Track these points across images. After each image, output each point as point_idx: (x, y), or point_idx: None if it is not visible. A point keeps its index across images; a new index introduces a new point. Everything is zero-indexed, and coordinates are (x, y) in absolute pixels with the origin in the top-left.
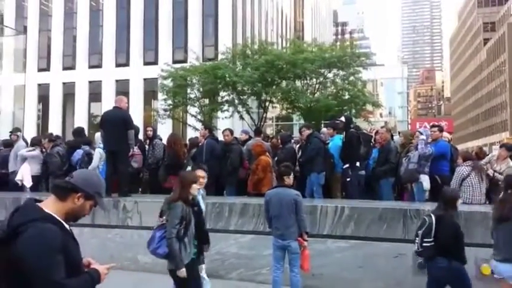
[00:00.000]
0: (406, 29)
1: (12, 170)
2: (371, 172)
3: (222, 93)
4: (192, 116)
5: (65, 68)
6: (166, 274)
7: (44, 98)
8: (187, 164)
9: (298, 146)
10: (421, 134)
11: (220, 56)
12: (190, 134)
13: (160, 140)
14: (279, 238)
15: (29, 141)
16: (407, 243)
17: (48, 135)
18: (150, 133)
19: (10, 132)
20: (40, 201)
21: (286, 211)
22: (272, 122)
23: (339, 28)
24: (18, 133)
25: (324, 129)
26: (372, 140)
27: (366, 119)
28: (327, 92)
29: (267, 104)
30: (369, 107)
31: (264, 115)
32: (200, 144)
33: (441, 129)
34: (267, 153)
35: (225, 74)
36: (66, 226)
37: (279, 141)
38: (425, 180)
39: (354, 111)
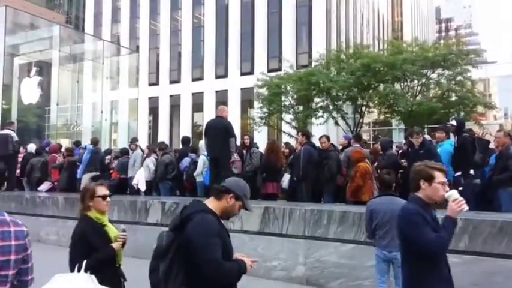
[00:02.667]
0: None
1: (131, 176)
2: (487, 180)
3: (316, 100)
4: (287, 123)
5: (171, 82)
6: (268, 279)
7: (154, 110)
8: (284, 170)
9: (400, 151)
10: None
11: (314, 63)
12: (285, 140)
13: (257, 148)
14: (385, 250)
15: (144, 150)
16: None
17: (159, 144)
18: (247, 141)
19: (130, 141)
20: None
21: (394, 221)
22: (368, 127)
23: (443, 25)
24: (136, 142)
25: (426, 136)
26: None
27: (477, 122)
28: (430, 94)
29: (363, 109)
30: (480, 109)
31: (360, 120)
32: (297, 150)
33: None
34: (366, 160)
35: (319, 80)
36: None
37: (379, 147)
38: None
39: (462, 113)
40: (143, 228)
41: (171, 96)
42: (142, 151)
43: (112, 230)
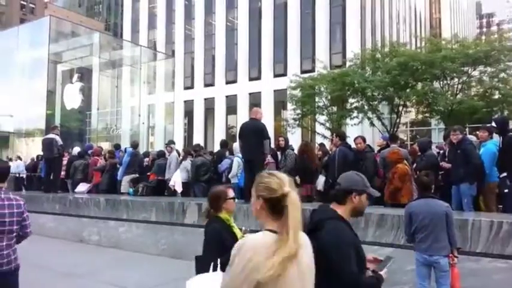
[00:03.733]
0: None
1: (168, 177)
2: None
3: (350, 100)
4: (321, 124)
5: (205, 85)
6: None
7: (189, 113)
8: (319, 172)
9: (441, 152)
10: None
11: (348, 63)
12: (319, 142)
13: (292, 150)
14: (425, 254)
15: (181, 152)
16: None
17: (194, 146)
18: (282, 143)
19: (166, 144)
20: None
21: (435, 225)
22: (406, 127)
23: (484, 20)
24: (172, 145)
25: (469, 136)
26: None
27: None
28: (471, 92)
29: (400, 108)
30: None
31: (397, 120)
32: (331, 152)
33: None
34: (405, 161)
35: (354, 80)
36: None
37: (418, 148)
38: None
39: (506, 112)
40: (180, 229)
41: (205, 99)
42: (178, 153)
43: (238, 231)
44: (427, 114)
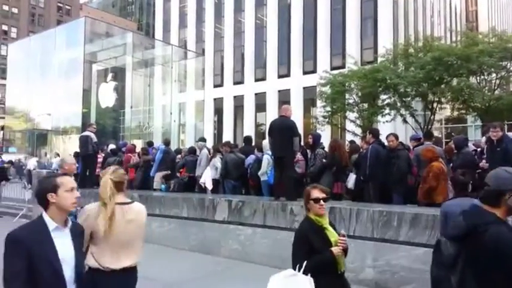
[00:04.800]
0: None
1: (198, 174)
2: None
3: (382, 97)
4: (351, 121)
5: (235, 83)
6: None
7: (218, 111)
8: (349, 170)
9: (479, 150)
10: None
11: (380, 59)
12: (349, 139)
13: (323, 148)
14: None
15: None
16: None
17: (224, 144)
18: (310, 140)
19: (196, 141)
20: None
21: None
22: (440, 124)
23: None
24: (203, 142)
25: (509, 133)
26: None
27: None
28: (510, 87)
29: (434, 105)
30: None
31: (431, 117)
32: (361, 149)
33: None
34: (440, 159)
35: (386, 76)
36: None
37: (454, 145)
38: None
39: None
40: (211, 225)
41: (234, 97)
42: (209, 150)
43: (332, 234)
44: (462, 111)
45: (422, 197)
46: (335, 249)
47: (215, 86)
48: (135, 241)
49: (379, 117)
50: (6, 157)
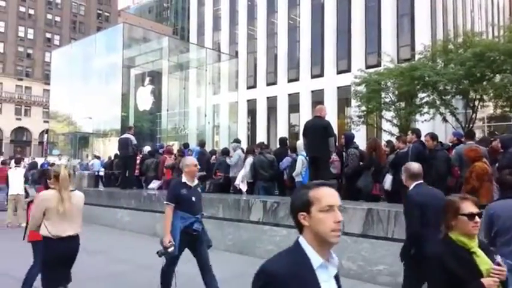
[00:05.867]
0: None
1: (232, 175)
2: None
3: (420, 95)
4: (388, 120)
5: (268, 84)
6: (374, 284)
7: (252, 112)
8: (386, 170)
9: None
10: None
11: (417, 56)
12: (386, 139)
13: (356, 148)
14: (508, 258)
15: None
16: None
17: (258, 145)
18: (343, 141)
19: (231, 142)
20: None
21: None
22: (483, 123)
23: None
24: (237, 144)
25: None
26: None
27: None
28: None
29: (476, 103)
30: None
31: (473, 116)
32: (399, 149)
33: None
34: (484, 159)
35: (424, 73)
36: None
37: (499, 145)
38: None
39: None
40: (246, 225)
41: (268, 98)
42: (243, 151)
43: (484, 261)
44: (506, 109)
45: None
46: (486, 281)
47: (248, 88)
48: (76, 217)
49: (418, 116)
50: (50, 159)
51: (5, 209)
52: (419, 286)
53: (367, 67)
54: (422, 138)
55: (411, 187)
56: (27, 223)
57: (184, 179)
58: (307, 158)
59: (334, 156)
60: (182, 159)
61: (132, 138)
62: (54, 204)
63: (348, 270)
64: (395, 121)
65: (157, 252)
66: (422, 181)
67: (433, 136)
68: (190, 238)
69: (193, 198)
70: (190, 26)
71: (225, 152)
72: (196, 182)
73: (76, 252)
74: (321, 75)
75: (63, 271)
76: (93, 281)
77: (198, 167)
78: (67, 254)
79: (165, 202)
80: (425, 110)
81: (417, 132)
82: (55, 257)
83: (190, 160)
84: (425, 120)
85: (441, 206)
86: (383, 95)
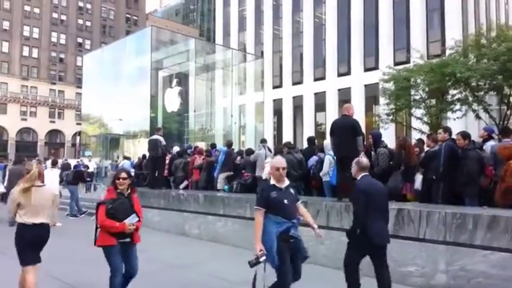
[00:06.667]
0: None
1: (258, 175)
2: None
3: (452, 92)
4: (417, 118)
5: (294, 84)
6: (405, 285)
7: (278, 112)
8: (416, 169)
9: None
10: None
11: (448, 51)
12: (414, 137)
13: (385, 147)
14: None
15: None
16: None
17: (285, 144)
18: (370, 140)
19: (261, 142)
20: None
21: None
22: None
23: None
24: (262, 143)
25: None
26: None
27: None
28: None
29: (510, 99)
30: None
31: (508, 112)
32: (429, 148)
33: None
34: None
35: (455, 69)
36: None
37: None
38: None
39: None
40: None
41: (294, 97)
42: (270, 151)
43: None
44: None
45: (500, 198)
46: None
47: (274, 87)
48: (45, 208)
49: (449, 114)
50: (84, 160)
51: None
52: (358, 260)
53: (396, 64)
54: (454, 137)
55: (359, 177)
56: (97, 226)
57: (272, 180)
58: (334, 157)
59: (362, 156)
60: (272, 160)
61: (161, 139)
62: (25, 197)
63: None
64: (425, 119)
65: (249, 263)
66: (367, 173)
67: (465, 135)
68: (288, 246)
69: (286, 201)
70: (216, 27)
71: (250, 153)
72: (287, 182)
73: (45, 236)
74: (348, 73)
75: (34, 252)
76: None
77: (284, 169)
78: (36, 238)
79: (255, 207)
80: (457, 107)
81: (449, 131)
82: (26, 240)
83: (278, 161)
84: (457, 117)
85: (381, 193)
86: (412, 92)
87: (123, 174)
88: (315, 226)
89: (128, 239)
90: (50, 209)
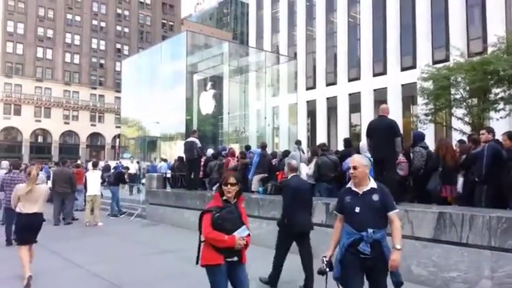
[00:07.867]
0: None
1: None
2: None
3: (495, 90)
4: (458, 118)
5: (328, 84)
6: None
7: (311, 113)
8: (457, 171)
9: None
10: None
11: (490, 49)
12: (455, 138)
13: (422, 147)
14: None
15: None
16: None
17: (319, 146)
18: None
19: (295, 144)
20: None
21: None
22: None
23: None
24: (296, 145)
25: None
26: None
27: None
28: None
29: None
30: None
31: None
32: (471, 149)
33: None
34: None
35: (498, 67)
36: None
37: None
38: None
39: None
40: None
41: (327, 98)
42: (303, 153)
43: None
44: None
45: None
46: None
47: (308, 89)
48: (39, 201)
49: (492, 113)
50: (124, 162)
51: (83, 209)
52: (287, 245)
53: (434, 62)
54: (498, 138)
55: (289, 177)
56: (201, 240)
57: (350, 183)
58: (371, 159)
59: (401, 157)
60: (349, 158)
61: (197, 141)
62: (24, 192)
63: (418, 276)
64: (466, 119)
65: (318, 270)
66: (297, 173)
67: (511, 135)
68: (362, 262)
69: (357, 209)
70: (249, 30)
71: (286, 154)
72: (369, 186)
73: (39, 223)
74: (384, 73)
75: (30, 235)
76: (160, 280)
77: (356, 169)
78: (32, 224)
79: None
80: (501, 106)
81: (493, 131)
82: (21, 226)
83: (351, 159)
84: (500, 117)
85: (306, 190)
86: (453, 91)
87: (232, 179)
88: (395, 249)
89: (235, 258)
90: (43, 201)
